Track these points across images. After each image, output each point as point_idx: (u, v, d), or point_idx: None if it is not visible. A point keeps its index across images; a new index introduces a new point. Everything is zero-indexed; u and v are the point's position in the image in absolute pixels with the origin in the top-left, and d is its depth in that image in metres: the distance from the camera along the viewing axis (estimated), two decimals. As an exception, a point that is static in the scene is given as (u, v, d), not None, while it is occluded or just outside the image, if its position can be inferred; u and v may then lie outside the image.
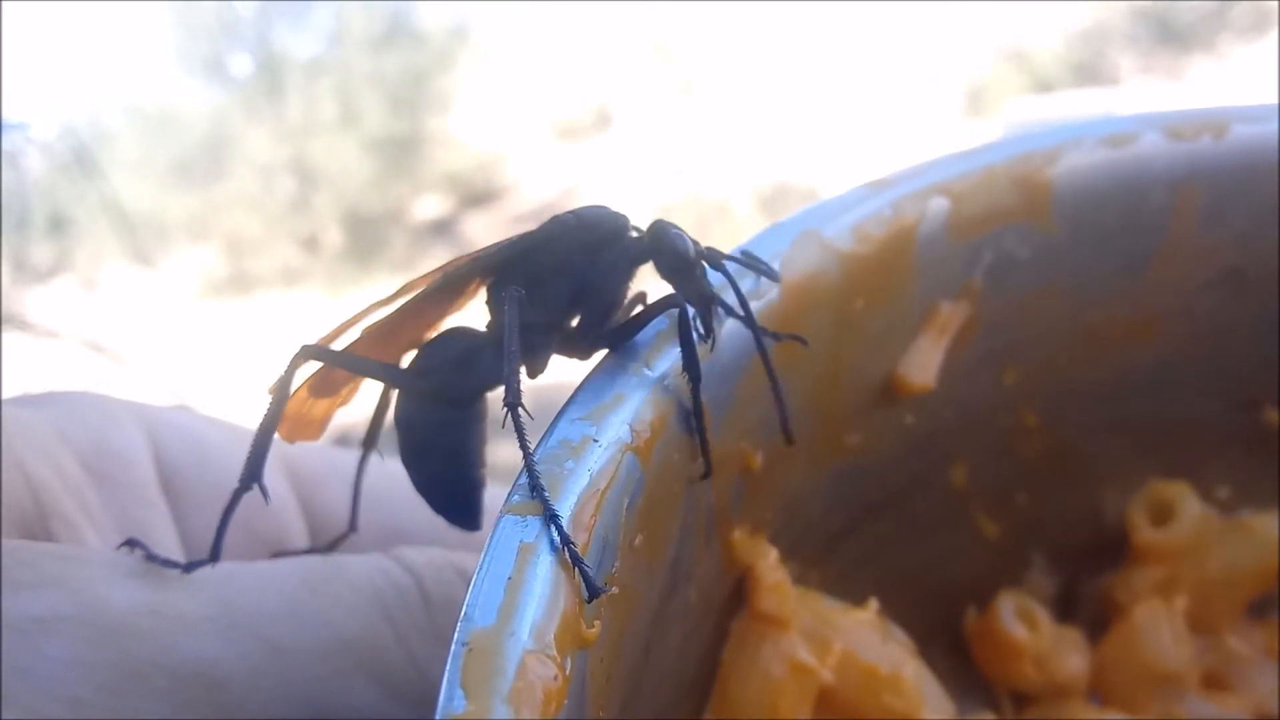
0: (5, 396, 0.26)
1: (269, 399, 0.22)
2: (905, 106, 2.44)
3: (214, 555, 0.22)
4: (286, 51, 2.85)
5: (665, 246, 0.22)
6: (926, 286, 0.26)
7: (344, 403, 0.24)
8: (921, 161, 0.26)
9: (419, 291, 0.22)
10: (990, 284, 0.26)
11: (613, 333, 0.22)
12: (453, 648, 0.15)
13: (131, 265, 2.53)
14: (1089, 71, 2.41)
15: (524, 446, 0.18)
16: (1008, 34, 2.50)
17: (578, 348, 0.23)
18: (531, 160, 2.76)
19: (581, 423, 0.19)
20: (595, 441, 0.18)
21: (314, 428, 0.24)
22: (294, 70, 2.79)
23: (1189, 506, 0.29)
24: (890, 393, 0.26)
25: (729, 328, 0.22)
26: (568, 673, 0.15)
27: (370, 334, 0.23)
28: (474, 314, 0.24)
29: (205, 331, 2.32)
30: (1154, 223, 0.27)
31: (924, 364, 0.26)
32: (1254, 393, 0.29)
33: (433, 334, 0.24)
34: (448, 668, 0.15)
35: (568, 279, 0.22)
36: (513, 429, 0.20)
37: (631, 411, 0.19)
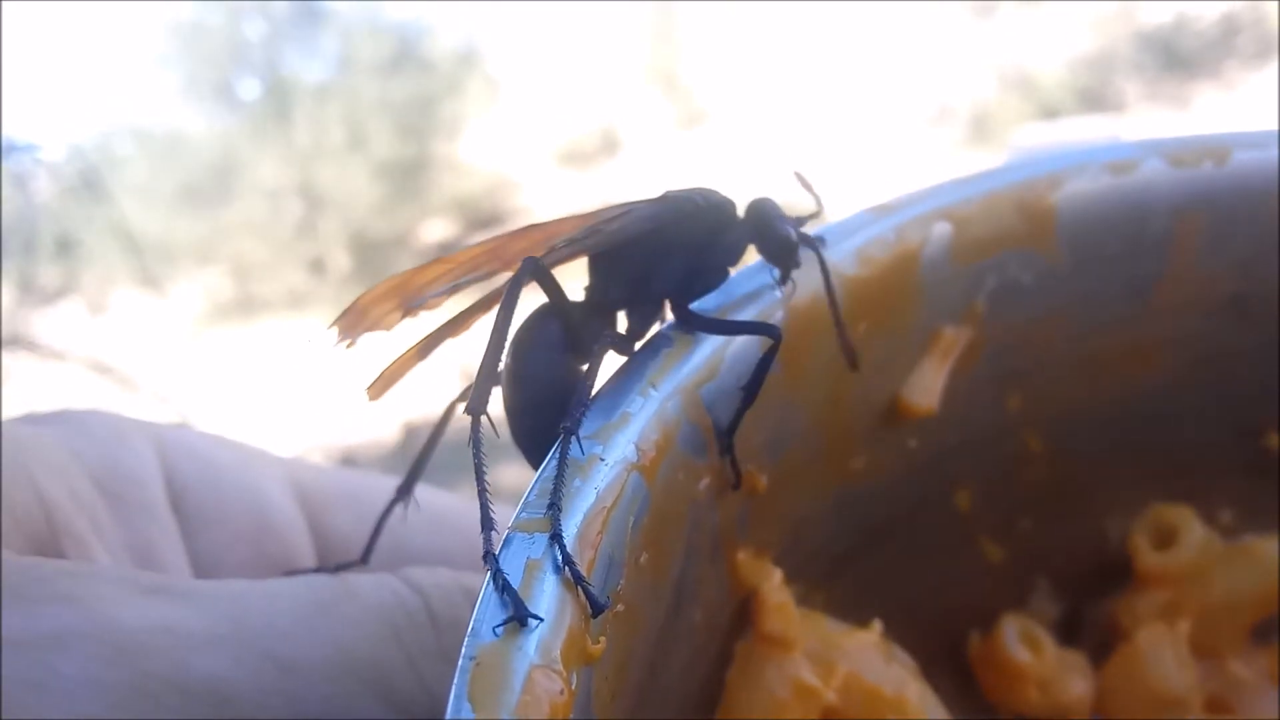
0: (13, 417, 0.26)
1: (498, 311, 0.21)
2: (909, 133, 2.45)
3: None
4: (294, 76, 2.86)
5: (773, 234, 0.23)
6: (930, 311, 0.26)
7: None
8: (925, 186, 0.26)
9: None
10: (993, 309, 0.26)
11: (702, 320, 0.22)
12: (460, 662, 0.15)
13: (139, 288, 2.53)
14: (1094, 98, 2.41)
15: (562, 466, 0.18)
16: (1012, 61, 2.50)
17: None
18: (539, 185, 2.77)
19: (588, 441, 0.19)
20: (602, 460, 0.19)
21: (391, 385, 0.23)
22: (302, 95, 2.80)
23: (1192, 531, 0.29)
24: (894, 416, 0.26)
25: (735, 349, 0.22)
26: (573, 688, 0.16)
27: (464, 310, 0.23)
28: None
29: (212, 355, 2.32)
30: (1156, 249, 0.27)
31: (927, 387, 0.26)
32: (1256, 418, 0.29)
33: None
34: (455, 681, 0.15)
35: (685, 258, 0.23)
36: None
37: (637, 431, 0.19)
